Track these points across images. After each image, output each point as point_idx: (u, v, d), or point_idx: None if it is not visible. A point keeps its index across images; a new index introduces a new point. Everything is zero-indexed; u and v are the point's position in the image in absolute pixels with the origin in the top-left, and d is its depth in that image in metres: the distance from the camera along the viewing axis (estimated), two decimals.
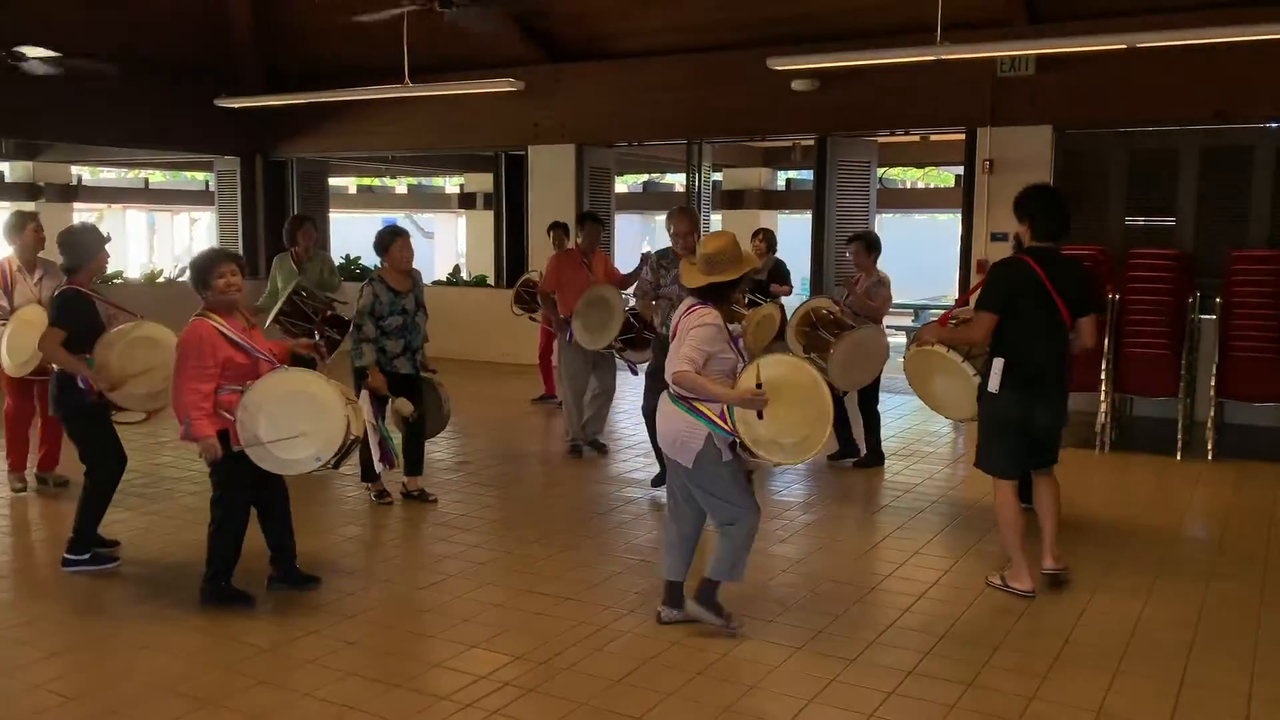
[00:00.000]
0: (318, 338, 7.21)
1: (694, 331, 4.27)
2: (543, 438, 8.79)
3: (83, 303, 5.26)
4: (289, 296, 7.27)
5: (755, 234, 9.42)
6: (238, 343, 4.61)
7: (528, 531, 5.97)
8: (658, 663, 4.22)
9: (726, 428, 4.25)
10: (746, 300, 8.87)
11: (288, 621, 4.61)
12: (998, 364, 4.86)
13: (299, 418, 4.53)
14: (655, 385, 5.83)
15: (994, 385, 4.87)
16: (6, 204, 17.93)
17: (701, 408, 4.27)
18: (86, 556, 5.22)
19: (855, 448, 7.63)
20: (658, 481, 6.71)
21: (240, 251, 14.52)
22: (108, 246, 5.53)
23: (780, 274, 9.00)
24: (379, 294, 6.25)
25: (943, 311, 6.57)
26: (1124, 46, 8.14)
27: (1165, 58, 8.75)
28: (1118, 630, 4.59)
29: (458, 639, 4.45)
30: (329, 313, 7.37)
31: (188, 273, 4.94)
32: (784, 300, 8.69)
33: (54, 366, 5.30)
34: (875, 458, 7.56)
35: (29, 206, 17.15)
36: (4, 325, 6.27)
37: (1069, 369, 5.07)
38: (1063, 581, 5.08)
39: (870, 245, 7.49)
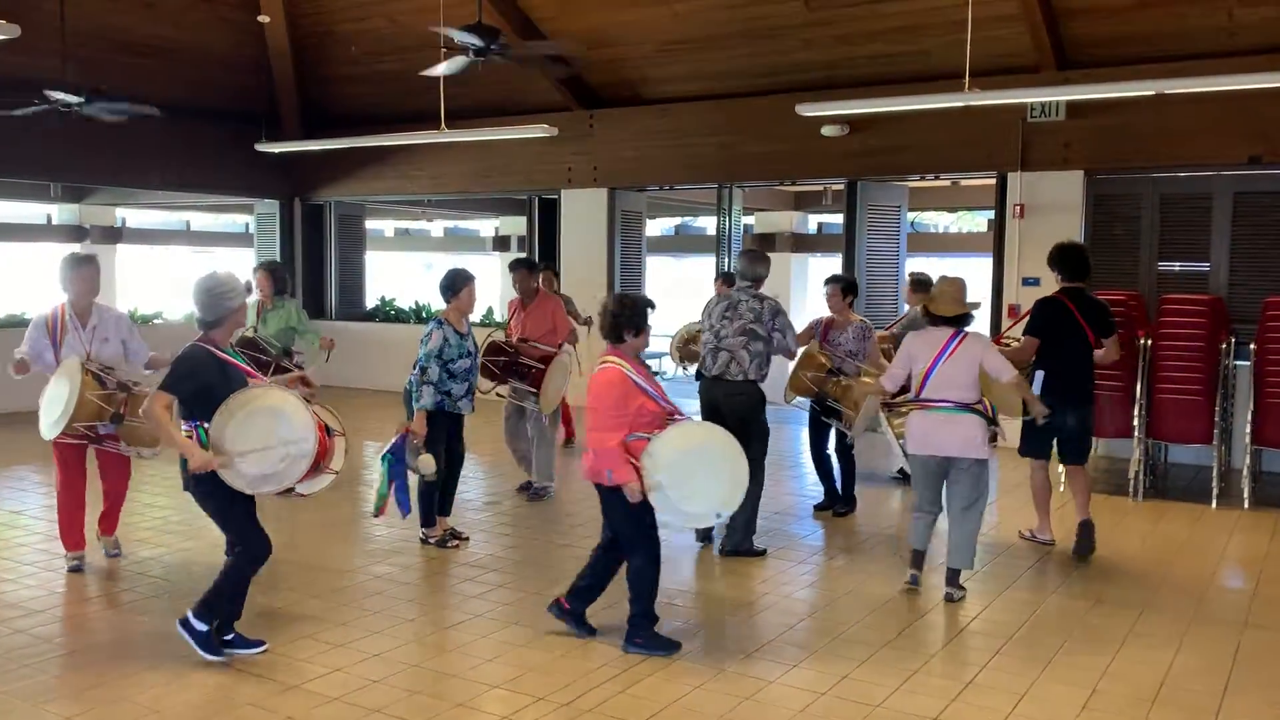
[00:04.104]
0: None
1: (997, 348, 5.67)
2: (570, 479, 8.80)
3: (205, 363, 4.53)
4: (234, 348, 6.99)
5: (718, 277, 9.62)
6: (649, 391, 4.65)
7: (555, 572, 5.98)
8: (681, 706, 4.22)
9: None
10: None
11: (313, 660, 4.65)
12: (1039, 375, 6.19)
13: (701, 472, 4.55)
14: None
15: (1036, 390, 6.04)
16: (54, 245, 18.37)
17: (979, 409, 5.47)
18: (204, 629, 4.58)
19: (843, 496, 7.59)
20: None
21: None
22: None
23: None
24: (448, 337, 6.33)
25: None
26: (1153, 93, 8.16)
27: (1198, 102, 8.77)
28: (1148, 678, 4.53)
29: (481, 679, 4.47)
30: (279, 364, 6.91)
31: (604, 318, 4.76)
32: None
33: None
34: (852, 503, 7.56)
35: (78, 248, 17.51)
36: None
37: (1093, 381, 6.49)
38: (1091, 526, 6.38)
39: (848, 288, 7.38)
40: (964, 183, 14.38)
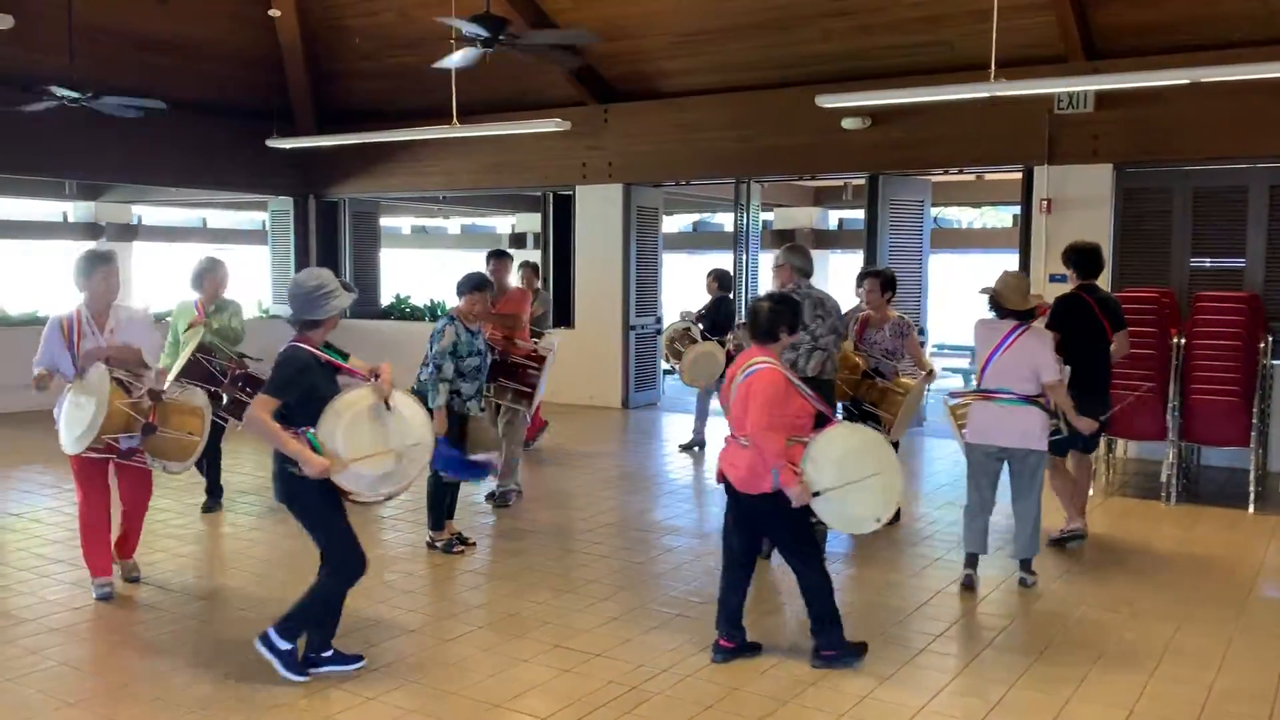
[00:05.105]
0: (224, 400, 6.43)
1: (1049, 344, 5.56)
2: (582, 483, 8.59)
3: (310, 365, 4.27)
4: (192, 355, 6.41)
5: (709, 273, 9.41)
6: (805, 392, 4.56)
7: (562, 580, 5.78)
8: None
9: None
10: (692, 335, 8.86)
11: (306, 675, 4.44)
12: (1065, 370, 6.03)
13: (861, 476, 4.46)
14: None
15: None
16: (70, 242, 18.32)
17: (1041, 402, 5.52)
18: (287, 648, 4.35)
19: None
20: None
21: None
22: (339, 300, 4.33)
23: (725, 312, 9.21)
24: (460, 334, 6.19)
25: None
26: (1187, 82, 7.84)
27: (1233, 92, 8.45)
28: (1189, 700, 4.27)
29: (481, 697, 4.25)
30: (239, 370, 6.59)
31: (760, 316, 4.56)
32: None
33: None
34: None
35: (94, 245, 17.36)
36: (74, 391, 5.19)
37: (1110, 374, 6.57)
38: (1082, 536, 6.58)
39: (887, 284, 7.04)
40: (989, 177, 14.08)
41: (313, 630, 4.46)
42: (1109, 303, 6.60)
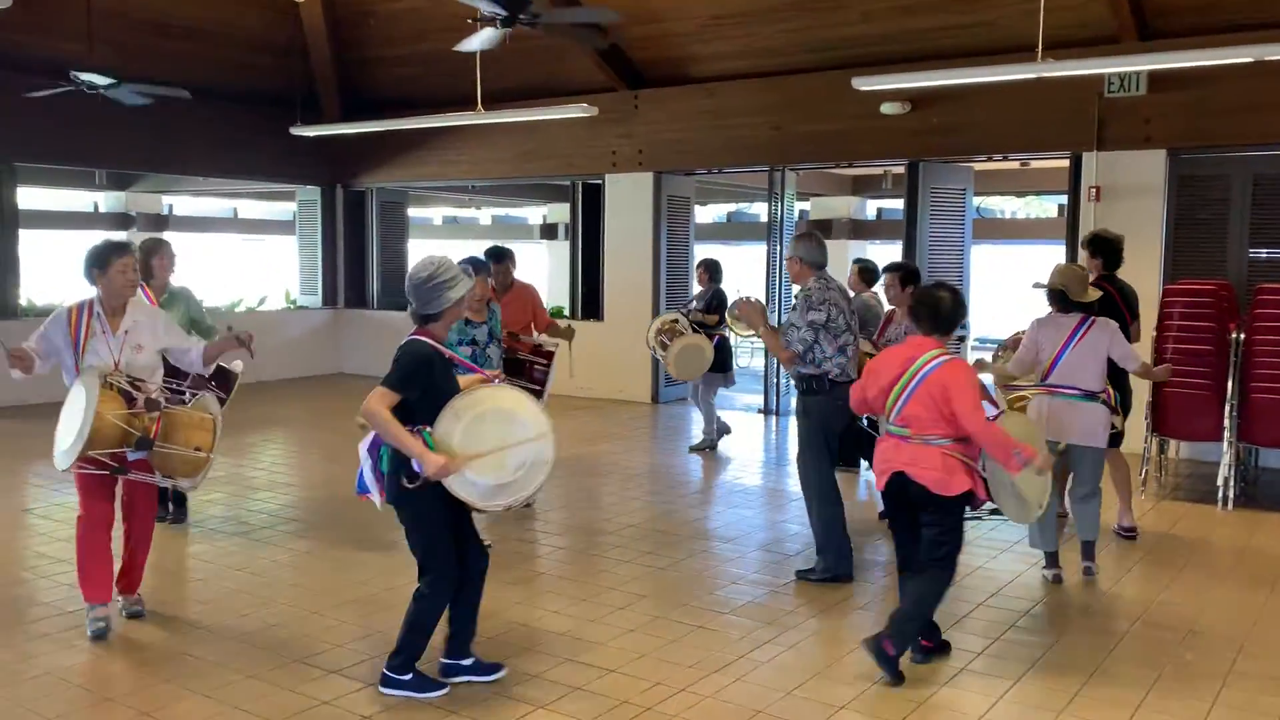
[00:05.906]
0: (188, 396, 5.13)
1: (1120, 333, 5.58)
2: (605, 482, 8.30)
3: (432, 359, 4.01)
4: None
5: (699, 264, 9.22)
6: (989, 390, 4.54)
7: (578, 588, 5.49)
8: None
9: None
10: (679, 327, 8.56)
11: (300, 689, 4.19)
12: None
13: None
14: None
15: None
16: (102, 233, 18.31)
17: (1104, 398, 5.51)
18: (408, 678, 4.13)
19: None
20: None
21: (319, 282, 14.48)
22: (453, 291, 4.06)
23: (717, 304, 8.93)
24: None
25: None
26: (1248, 60, 7.37)
27: None
28: None
29: (486, 717, 3.97)
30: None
31: (940, 307, 4.39)
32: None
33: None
34: None
35: (124, 235, 17.25)
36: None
37: None
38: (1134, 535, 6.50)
39: (907, 278, 6.73)
40: (1034, 164, 13.61)
41: (457, 638, 4.27)
42: (1128, 293, 6.62)
